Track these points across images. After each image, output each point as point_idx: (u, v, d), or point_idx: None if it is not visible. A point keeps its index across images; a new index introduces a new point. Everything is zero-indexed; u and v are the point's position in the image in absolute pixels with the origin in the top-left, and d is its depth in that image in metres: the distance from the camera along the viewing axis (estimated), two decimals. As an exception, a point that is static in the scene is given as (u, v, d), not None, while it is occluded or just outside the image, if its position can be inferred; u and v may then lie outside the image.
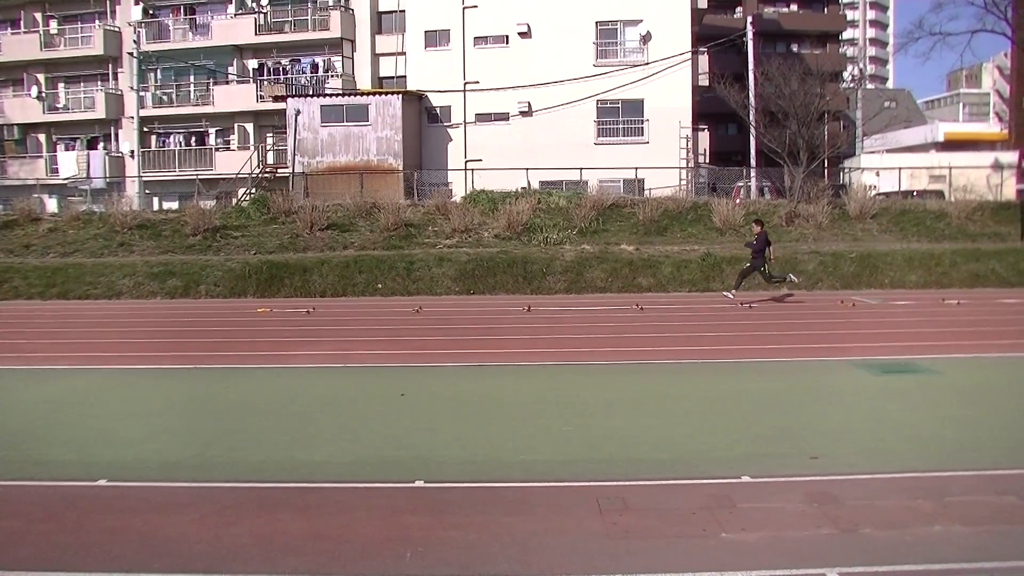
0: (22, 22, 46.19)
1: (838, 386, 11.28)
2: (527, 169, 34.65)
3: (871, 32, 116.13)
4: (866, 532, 6.05)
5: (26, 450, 8.56)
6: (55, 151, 45.53)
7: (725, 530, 6.11)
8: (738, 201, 31.99)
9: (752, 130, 35.24)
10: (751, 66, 36.30)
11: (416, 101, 39.90)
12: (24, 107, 45.42)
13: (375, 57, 42.99)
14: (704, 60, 41.86)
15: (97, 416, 10.18)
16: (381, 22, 43.22)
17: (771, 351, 14.18)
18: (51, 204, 41.60)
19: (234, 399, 11.14)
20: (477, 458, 8.01)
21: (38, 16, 46.07)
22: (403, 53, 41.40)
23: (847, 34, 65.68)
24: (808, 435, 8.66)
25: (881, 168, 40.18)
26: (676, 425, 9.16)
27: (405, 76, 41.27)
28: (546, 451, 8.19)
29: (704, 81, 41.76)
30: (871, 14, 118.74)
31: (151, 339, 16.95)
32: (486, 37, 39.71)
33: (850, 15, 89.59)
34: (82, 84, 45.84)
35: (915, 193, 35.23)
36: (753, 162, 36.22)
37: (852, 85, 48.67)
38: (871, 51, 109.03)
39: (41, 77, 45.77)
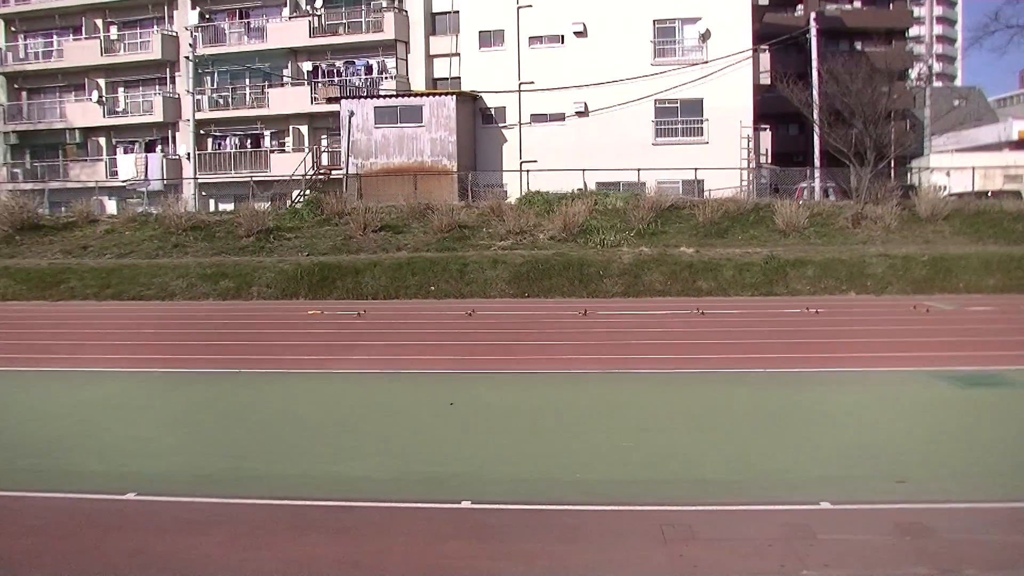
0: (83, 28, 46.83)
1: (919, 399, 10.55)
2: (583, 170, 34.06)
3: (938, 29, 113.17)
4: (971, 574, 5.32)
5: (57, 459, 8.23)
6: (114, 154, 46.01)
7: (807, 566, 5.44)
8: (801, 202, 31.14)
9: (816, 129, 34.30)
10: (814, 64, 35.30)
11: (470, 102, 39.53)
12: (85, 111, 46.03)
13: (429, 58, 42.71)
14: (765, 58, 40.87)
15: (133, 423, 9.85)
16: (435, 23, 42.94)
17: (843, 360, 13.43)
18: (111, 206, 42.00)
19: (276, 407, 10.78)
20: (529, 476, 7.49)
21: (99, 22, 46.67)
22: (457, 54, 41.06)
23: (913, 31, 63.80)
24: (891, 454, 7.96)
25: (952, 168, 38.76)
26: (745, 442, 8.53)
27: (459, 77, 40.91)
28: (604, 470, 7.63)
29: (765, 80, 40.79)
30: (938, 10, 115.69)
31: (199, 341, 16.79)
32: (541, 37, 39.19)
33: (916, 12, 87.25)
34: (141, 88, 46.25)
35: (990, 194, 33.86)
36: (817, 162, 35.19)
37: (919, 83, 47.18)
38: (938, 48, 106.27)
39: (102, 82, 46.35)
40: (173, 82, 45.41)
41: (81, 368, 13.70)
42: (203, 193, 41.84)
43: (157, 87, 45.75)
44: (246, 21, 44.41)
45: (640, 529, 6.16)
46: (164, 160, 43.99)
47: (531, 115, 39.37)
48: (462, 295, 24.37)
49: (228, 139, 44.44)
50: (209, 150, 44.14)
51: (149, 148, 45.67)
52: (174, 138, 45.46)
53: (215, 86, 44.61)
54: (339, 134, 39.27)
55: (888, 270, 24.17)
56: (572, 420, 9.57)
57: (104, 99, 46.21)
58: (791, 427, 9.12)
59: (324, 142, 42.89)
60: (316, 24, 42.76)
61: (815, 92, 34.09)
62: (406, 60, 42.46)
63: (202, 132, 43.46)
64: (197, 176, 41.27)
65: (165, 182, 42.37)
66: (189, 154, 42.50)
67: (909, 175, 39.74)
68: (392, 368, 13.34)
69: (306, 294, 24.95)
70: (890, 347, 14.70)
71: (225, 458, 8.20)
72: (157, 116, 44.72)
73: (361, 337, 17.01)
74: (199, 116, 42.22)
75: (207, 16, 44.27)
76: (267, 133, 44.39)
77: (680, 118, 38.36)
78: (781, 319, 18.83)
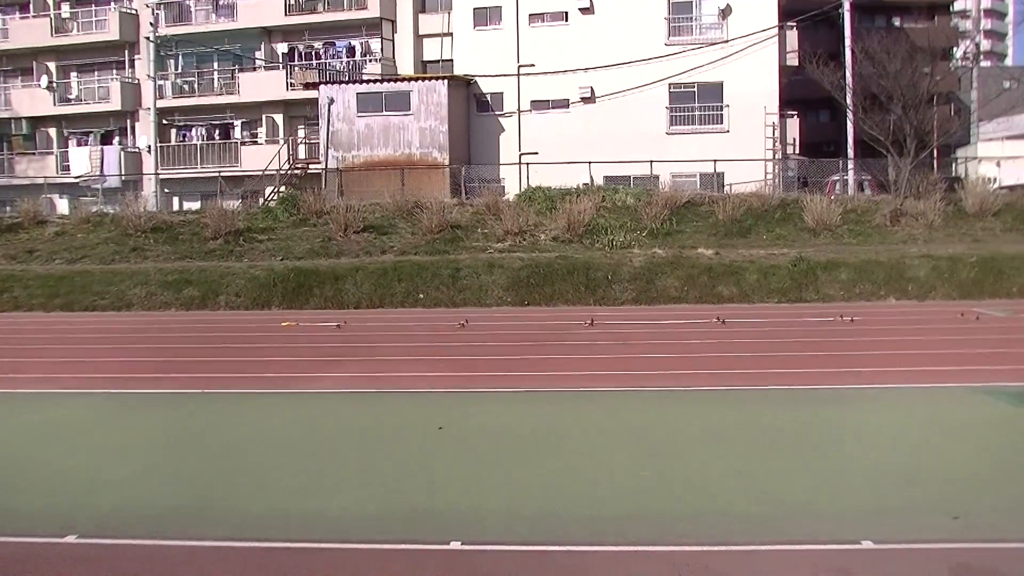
0: (31, 6, 46.67)
1: (969, 420, 10.41)
2: (589, 163, 34.10)
3: (986, 2, 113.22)
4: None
5: (-9, 495, 8.05)
6: (66, 147, 45.85)
7: (847, 617, 5.28)
8: (833, 197, 31.07)
9: (850, 116, 34.23)
10: (848, 42, 35.21)
11: (464, 87, 39.44)
12: (33, 99, 45.83)
13: (418, 39, 42.61)
14: (793, 37, 40.77)
15: (77, 453, 9.70)
16: (425, 0, 42.93)
17: (882, 375, 13.29)
18: (62, 205, 41.93)
19: (243, 432, 10.66)
20: (529, 511, 7.34)
21: (49, -1, 46.68)
22: (449, 34, 40.97)
23: (959, 4, 63.60)
24: (940, 484, 7.81)
25: (1003, 157, 38.68)
26: (772, 469, 8.40)
27: (451, 60, 40.81)
28: (613, 502, 7.49)
29: (793, 61, 40.69)
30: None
31: (157, 357, 16.63)
32: (542, 14, 39.12)
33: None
34: (96, 73, 46.04)
35: (1045, 186, 33.89)
36: (851, 152, 35.12)
37: (965, 63, 47.05)
38: (987, 24, 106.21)
39: (52, 66, 46.17)
40: (132, 66, 45.24)
41: (20, 390, 13.55)
42: (166, 190, 41.70)
43: (114, 71, 45.58)
44: (214, -3, 44.34)
45: (655, 572, 6.03)
46: (122, 153, 43.84)
47: (531, 102, 39.23)
48: (454, 303, 24.37)
49: (194, 130, 44.31)
50: (172, 142, 43.99)
51: (105, 140, 45.51)
52: (133, 129, 45.27)
53: (179, 70, 44.47)
54: (318, 124, 39.15)
55: (931, 273, 24.10)
56: (577, 445, 9.44)
57: (54, 85, 46.04)
58: (825, 452, 8.96)
59: (301, 133, 42.74)
60: (292, 1, 42.67)
61: (848, 74, 34.00)
62: (392, 41, 42.34)
63: (164, 122, 43.31)
64: (159, 171, 41.13)
65: (123, 178, 42.23)
66: (150, 147, 42.35)
67: (954, 166, 39.67)
68: (375, 387, 13.23)
69: (280, 303, 24.91)
70: (935, 360, 14.57)
71: (182, 493, 8.05)
72: (114, 104, 44.53)
73: (340, 352, 16.90)
74: (161, 104, 42.07)
75: (170, -9, 44.19)
76: (238, 123, 44.25)
77: (698, 104, 38.23)
78: (811, 329, 18.75)
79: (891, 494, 7.56)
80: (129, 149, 44.61)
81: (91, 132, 45.99)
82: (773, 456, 8.86)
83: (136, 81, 44.88)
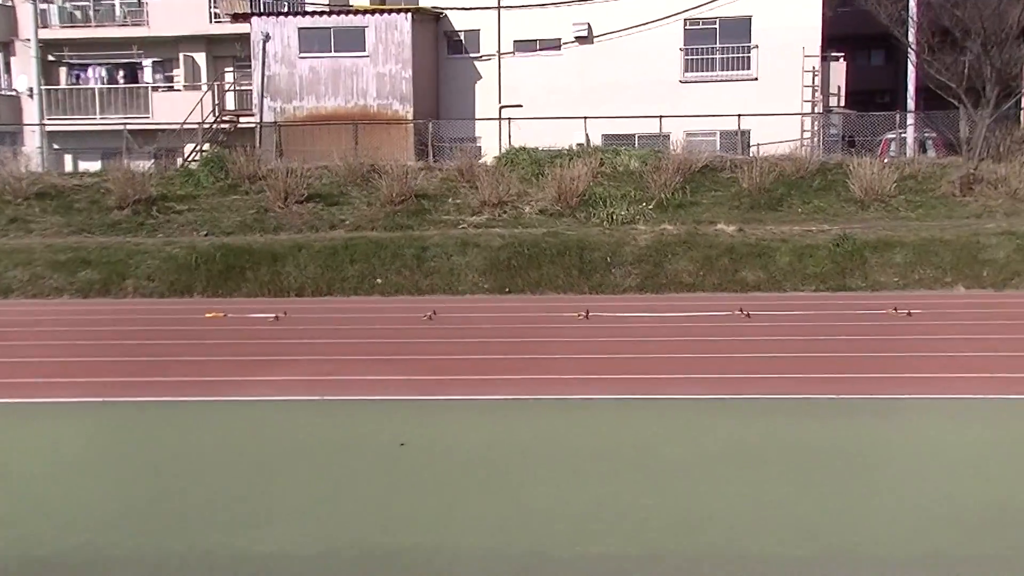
0: None
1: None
2: (585, 118, 34.24)
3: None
4: None
5: None
6: (-82, 87, 45.52)
7: None
8: (887, 160, 31.14)
9: (912, 57, 34.24)
10: (914, -39, 35.27)
11: (432, 23, 39.39)
12: None
13: (375, -39, 42.59)
14: (840, -42, 40.89)
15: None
16: (383, -89, 42.84)
17: (949, 383, 13.39)
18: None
19: (155, 451, 10.61)
20: (510, 550, 7.39)
21: None
22: (413, -45, 40.99)
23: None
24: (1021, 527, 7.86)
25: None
26: (813, 497, 8.45)
27: (416, -13, 40.84)
28: (615, 539, 7.52)
29: (840, -12, 40.84)
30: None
31: (45, 357, 16.56)
32: (529, -69, 39.19)
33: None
34: (-47, -10, 45.74)
35: None
36: (911, 104, 35.39)
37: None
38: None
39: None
40: (5, -17, 44.76)
41: None
42: (55, 146, 41.47)
43: (-21, -10, 45.06)
44: None
45: (666, 628, 6.07)
46: (-7, 97, 43.45)
47: (515, 42, 39.27)
48: (420, 291, 24.44)
49: (91, 70, 43.97)
50: (63, 85, 43.65)
51: (-30, 80, 45.15)
52: (8, 66, 44.81)
53: (69, -8, 44.02)
54: (250, 66, 39.03)
55: (1014, 254, 24.20)
56: (570, 467, 9.48)
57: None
58: (879, 478, 9.03)
59: (229, 77, 42.64)
60: (216, -91, 42.46)
61: (912, 2, 33.98)
62: (343, -37, 42.20)
63: (51, 59, 42.95)
64: (45, 122, 40.75)
65: (-3, 128, 41.87)
66: (32, 89, 41.86)
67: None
68: (320, 394, 13.23)
69: (204, 289, 24.88)
70: (1017, 364, 14.67)
71: (78, 529, 8.02)
72: (-19, 33, 44.03)
73: (280, 349, 16.92)
74: (45, 35, 41.63)
75: None
76: (147, 63, 44.03)
77: (719, 44, 38.38)
78: (858, 324, 18.81)
79: (968, 530, 7.63)
80: (3, 92, 44.16)
81: (-49, 69, 45.52)
82: (815, 482, 8.91)
83: (9, 3, 44.23)
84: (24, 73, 43.19)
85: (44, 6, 42.25)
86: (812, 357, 15.54)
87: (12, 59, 44.54)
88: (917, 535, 7.57)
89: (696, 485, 8.90)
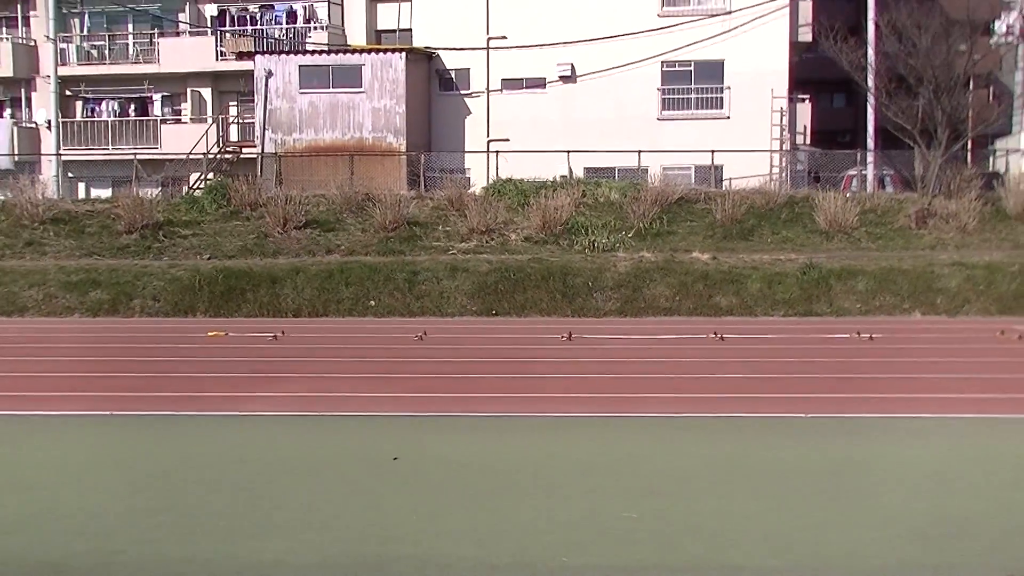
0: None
1: (1017, 456, 10.51)
2: (568, 152, 34.16)
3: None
4: None
5: None
6: (-54, 120, 45.39)
7: None
8: (849, 194, 31.23)
9: (871, 100, 34.39)
10: (871, 14, 35.35)
11: (424, 62, 39.41)
12: (-96, 62, 45.34)
13: (371, 4, 42.53)
14: (806, 8, 41.07)
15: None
16: (380, -43, 42.89)
17: (909, 403, 13.37)
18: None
19: (158, 463, 10.50)
20: (499, 560, 7.25)
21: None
22: (408, -2, 41.05)
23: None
24: (987, 532, 7.77)
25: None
26: (789, 512, 8.37)
27: (410, 29, 40.79)
28: (600, 551, 7.41)
29: (806, 36, 41.00)
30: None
31: (57, 372, 16.49)
32: (516, -22, 39.25)
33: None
34: (-18, 31, 45.62)
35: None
36: (871, 143, 35.43)
37: (1008, 39, 47.43)
38: None
39: (-72, 22, 45.74)
40: (27, 24, 44.69)
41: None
42: (70, 174, 41.28)
43: (4, 30, 44.94)
44: (129, -54, 43.96)
45: (650, 637, 5.94)
46: (15, 129, 43.37)
47: (502, 80, 39.23)
48: (411, 312, 24.41)
49: (104, 104, 43.87)
50: (78, 117, 43.53)
51: (-6, 112, 45.03)
52: (29, 100, 44.75)
53: (86, 32, 43.99)
54: (252, 101, 38.95)
55: (965, 283, 24.27)
56: (555, 482, 9.39)
57: (-73, 43, 45.38)
58: (849, 492, 8.93)
59: (233, 111, 42.51)
60: (223, -47, 42.50)
61: (871, 51, 34.15)
62: (341, 5, 42.26)
63: (68, 93, 42.81)
64: (61, 152, 40.60)
65: (16, 158, 41.73)
66: (50, 122, 41.71)
67: (993, 160, 39.97)
68: (317, 409, 13.19)
69: (206, 310, 24.86)
70: (972, 385, 14.69)
71: (87, 536, 7.89)
72: (5, 70, 43.83)
73: (277, 367, 16.88)
74: (64, 72, 41.50)
75: (75, -64, 43.69)
76: (157, 97, 43.92)
77: (694, 85, 38.42)
78: (825, 347, 18.89)
79: (933, 545, 7.53)
80: (24, 124, 44.08)
81: (-25, 102, 45.38)
82: (791, 497, 8.83)
83: (32, 43, 44.24)
84: (43, 107, 43.14)
85: (64, 46, 42.19)
86: (783, 378, 15.57)
87: (33, 94, 44.49)
88: (885, 546, 7.47)
89: (678, 499, 8.81)
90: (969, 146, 32.91)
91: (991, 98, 37.79)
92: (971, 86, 32.29)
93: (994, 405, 13.12)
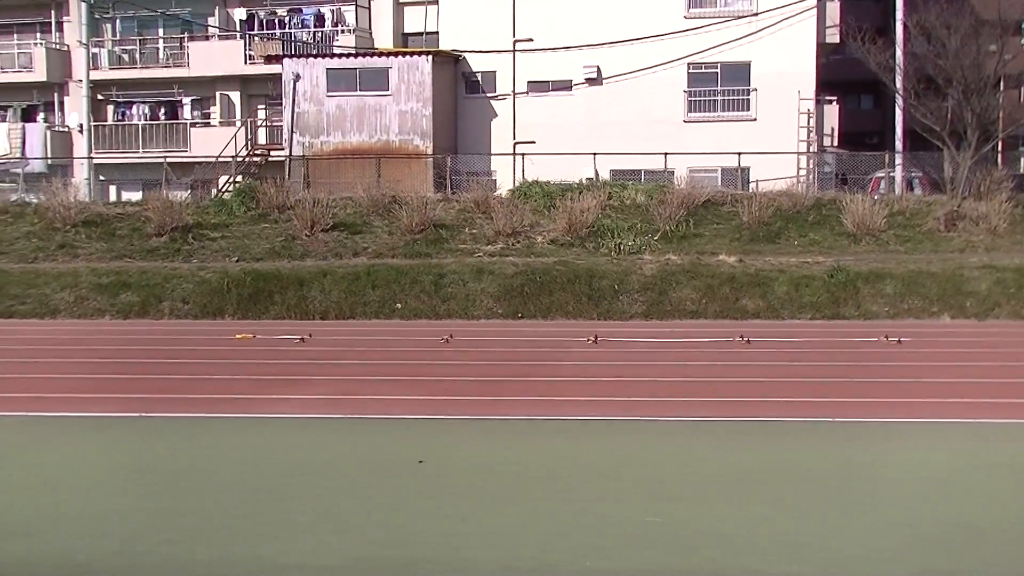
0: (-61, -43, 46.60)
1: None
2: (594, 154, 33.98)
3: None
4: None
5: None
6: (-21, 123, 45.73)
7: None
8: (876, 197, 31.04)
9: (899, 101, 34.14)
10: (899, 15, 35.07)
11: (451, 65, 39.42)
12: (-60, 67, 45.75)
13: (398, 7, 42.62)
14: (833, 9, 40.77)
15: (-5, 486, 9.61)
16: (407, -39, 42.96)
17: (937, 407, 13.31)
18: (-25, 192, 41.66)
19: (185, 464, 10.60)
20: (520, 563, 7.29)
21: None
22: (435, 2, 41.04)
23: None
24: (1012, 541, 7.76)
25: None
26: (807, 517, 8.36)
27: (437, 32, 40.81)
28: (620, 554, 7.43)
29: (833, 37, 40.68)
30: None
31: (87, 374, 16.58)
32: (543, -20, 39.23)
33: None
34: (15, 36, 45.47)
35: None
36: (899, 145, 35.08)
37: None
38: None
39: (-39, 26, 46.06)
40: (60, 29, 44.99)
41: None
42: (101, 177, 41.53)
43: (38, 35, 45.23)
44: (159, -48, 44.21)
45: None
46: (48, 132, 43.68)
47: (529, 83, 39.19)
48: (437, 315, 24.31)
49: (135, 107, 44.10)
50: (110, 121, 43.77)
51: (28, 116, 45.26)
52: (61, 104, 45.05)
53: (118, 37, 44.24)
54: (280, 104, 39.07)
55: (995, 287, 24.03)
56: (578, 485, 9.41)
57: (-37, 49, 45.78)
58: (872, 497, 8.93)
59: (261, 114, 42.64)
60: (251, -41, 42.67)
61: (899, 52, 33.90)
62: (368, 9, 42.34)
63: (100, 97, 43.12)
64: (93, 155, 40.89)
65: (49, 161, 41.99)
66: (82, 126, 42.06)
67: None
68: (343, 412, 13.20)
69: (234, 312, 24.82)
70: (1001, 390, 14.59)
71: (109, 537, 7.96)
72: (39, 74, 44.20)
73: (304, 370, 16.87)
74: (96, 76, 41.83)
75: (107, -56, 44.01)
76: (187, 101, 44.11)
77: (720, 87, 38.24)
78: (852, 351, 18.74)
79: (952, 551, 7.52)
80: (56, 128, 44.38)
81: (10, 106, 45.63)
82: (810, 502, 8.81)
83: (65, 48, 44.59)
84: (75, 111, 43.45)
85: (96, 50, 42.48)
86: (809, 382, 15.46)
87: (66, 98, 44.79)
88: (907, 549, 7.48)
89: (697, 504, 8.81)
90: (1000, 147, 32.59)
91: (1022, 99, 37.37)
92: (1001, 86, 31.97)
93: (1021, 410, 12.98)
